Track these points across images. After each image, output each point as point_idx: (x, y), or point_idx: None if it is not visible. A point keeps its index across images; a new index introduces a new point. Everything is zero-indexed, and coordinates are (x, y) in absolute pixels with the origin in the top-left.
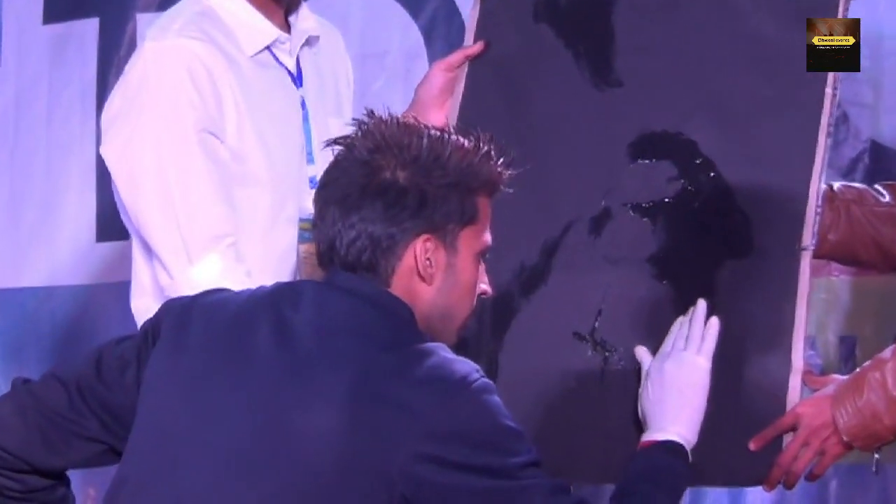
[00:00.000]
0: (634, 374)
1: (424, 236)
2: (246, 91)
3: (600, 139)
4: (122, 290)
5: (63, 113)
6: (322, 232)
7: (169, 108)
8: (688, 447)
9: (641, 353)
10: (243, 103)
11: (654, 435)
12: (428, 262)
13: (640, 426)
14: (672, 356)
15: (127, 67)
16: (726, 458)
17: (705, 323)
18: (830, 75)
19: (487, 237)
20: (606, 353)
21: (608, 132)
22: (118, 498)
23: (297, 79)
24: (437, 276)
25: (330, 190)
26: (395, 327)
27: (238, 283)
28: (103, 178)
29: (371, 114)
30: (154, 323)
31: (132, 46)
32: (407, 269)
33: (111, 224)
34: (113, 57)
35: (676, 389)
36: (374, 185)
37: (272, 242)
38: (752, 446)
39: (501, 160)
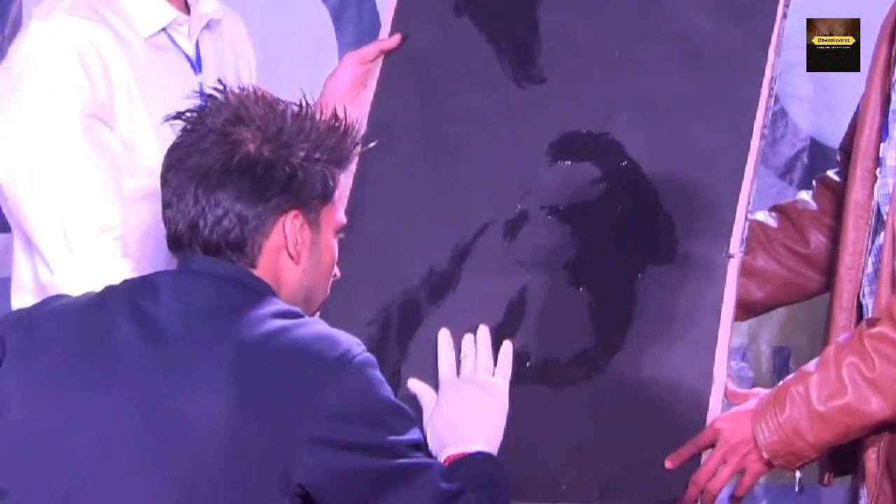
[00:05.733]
0: (548, 385)
1: (293, 212)
2: (139, 75)
3: (520, 138)
4: (2, 286)
5: None
6: (179, 212)
7: (55, 92)
8: None
9: (416, 385)
10: (136, 88)
11: (459, 448)
12: (297, 240)
13: (552, 439)
14: (466, 379)
15: (11, 48)
16: (641, 477)
17: (497, 345)
18: (767, 73)
19: (342, 214)
20: (518, 364)
21: (529, 131)
22: None
23: (196, 64)
24: (304, 254)
25: (185, 167)
26: (264, 304)
27: (124, 278)
28: None
29: (222, 85)
30: None
31: (17, 26)
32: (274, 248)
33: None
34: None
35: (476, 409)
36: (239, 161)
37: (163, 236)
38: (668, 465)
39: (355, 135)
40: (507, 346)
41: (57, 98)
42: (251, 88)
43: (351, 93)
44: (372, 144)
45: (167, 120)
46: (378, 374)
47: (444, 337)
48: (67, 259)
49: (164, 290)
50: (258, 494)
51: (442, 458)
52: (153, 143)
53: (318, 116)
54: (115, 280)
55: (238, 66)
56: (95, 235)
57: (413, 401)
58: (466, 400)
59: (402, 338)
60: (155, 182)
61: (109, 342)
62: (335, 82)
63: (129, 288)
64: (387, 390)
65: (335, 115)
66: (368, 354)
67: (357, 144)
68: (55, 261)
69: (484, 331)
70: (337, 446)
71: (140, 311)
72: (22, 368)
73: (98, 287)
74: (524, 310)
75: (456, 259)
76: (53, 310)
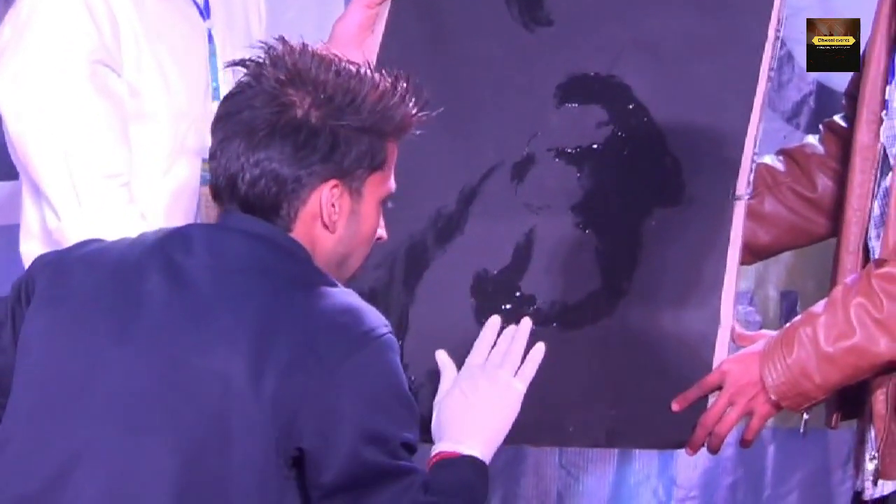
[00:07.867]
0: (555, 328)
1: (332, 182)
2: (146, 21)
3: (527, 81)
4: (11, 233)
5: None
6: (221, 165)
7: (61, 38)
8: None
9: (443, 358)
10: (143, 34)
11: (455, 447)
12: (333, 210)
13: (559, 382)
14: (487, 372)
15: None
16: (648, 419)
17: (528, 345)
18: (774, 16)
19: (392, 183)
20: (525, 307)
21: (536, 73)
22: (1, 458)
23: (204, 10)
24: (340, 223)
25: (234, 121)
26: (296, 267)
27: (131, 225)
28: None
29: (282, 40)
30: (27, 280)
31: None
32: (310, 215)
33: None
34: None
35: (485, 407)
36: (285, 124)
37: (170, 182)
38: (674, 407)
39: (416, 103)
40: (537, 349)
41: (64, 44)
42: (310, 47)
43: (358, 37)
44: (437, 112)
45: (229, 66)
46: (397, 359)
47: (494, 321)
48: (74, 205)
49: (198, 244)
50: (262, 452)
51: (434, 452)
52: (160, 90)
53: (376, 80)
54: (123, 226)
55: (247, 12)
56: (102, 182)
57: (434, 375)
58: (478, 394)
59: (409, 280)
60: (161, 129)
61: (137, 292)
62: (343, 27)
63: (164, 238)
64: (402, 379)
65: (394, 84)
66: (392, 337)
67: (414, 115)
68: (62, 207)
69: (526, 324)
70: (340, 419)
71: (171, 263)
72: (48, 312)
73: (105, 234)
74: (531, 252)
75: (463, 202)
76: (85, 255)
